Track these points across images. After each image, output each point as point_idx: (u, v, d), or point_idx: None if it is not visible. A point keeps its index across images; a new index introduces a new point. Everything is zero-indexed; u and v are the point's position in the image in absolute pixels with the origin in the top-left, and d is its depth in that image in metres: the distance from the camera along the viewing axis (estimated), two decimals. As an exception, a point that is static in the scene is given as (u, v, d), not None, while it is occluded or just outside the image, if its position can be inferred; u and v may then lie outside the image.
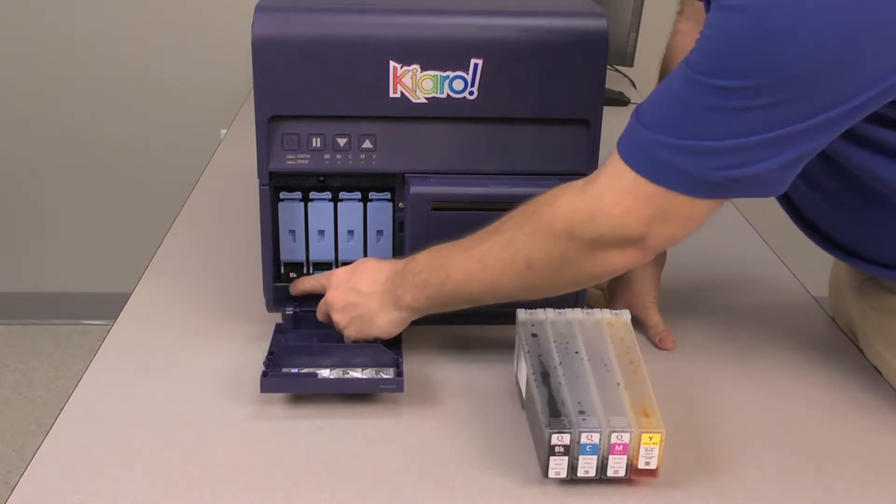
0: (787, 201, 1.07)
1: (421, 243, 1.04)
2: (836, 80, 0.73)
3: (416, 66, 0.99)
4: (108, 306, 1.64)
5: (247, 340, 1.09)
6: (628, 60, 2.19)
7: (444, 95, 1.00)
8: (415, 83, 1.00)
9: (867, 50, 0.72)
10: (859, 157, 0.88)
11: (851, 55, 0.72)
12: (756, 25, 0.72)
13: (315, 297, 1.10)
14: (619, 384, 0.90)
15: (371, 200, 1.07)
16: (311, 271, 1.10)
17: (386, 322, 0.99)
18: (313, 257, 1.09)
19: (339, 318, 1.01)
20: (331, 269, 1.10)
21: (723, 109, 0.76)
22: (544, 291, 0.92)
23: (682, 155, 0.79)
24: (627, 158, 0.82)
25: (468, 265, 0.92)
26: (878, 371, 1.06)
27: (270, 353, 1.02)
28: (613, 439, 0.84)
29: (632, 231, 0.83)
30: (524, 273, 0.89)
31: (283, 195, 1.06)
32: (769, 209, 1.21)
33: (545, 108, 1.02)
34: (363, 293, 0.99)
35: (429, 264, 0.95)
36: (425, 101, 1.00)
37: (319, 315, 1.05)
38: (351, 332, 1.01)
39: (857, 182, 0.92)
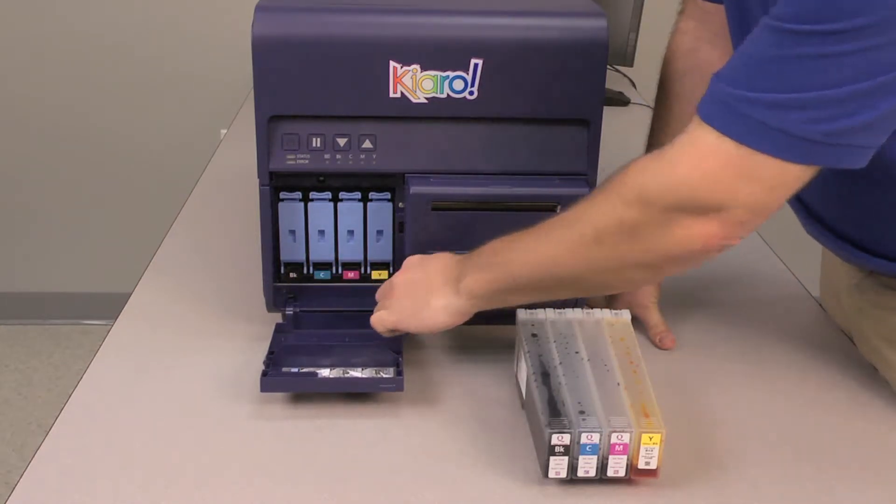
0: (794, 195, 1.07)
1: (421, 243, 1.04)
2: None
3: (416, 66, 0.99)
4: (108, 306, 1.64)
5: (247, 340, 1.09)
6: (628, 60, 2.19)
7: (444, 95, 1.00)
8: (415, 83, 1.00)
9: None
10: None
11: None
12: None
13: (315, 297, 1.10)
14: (619, 384, 0.90)
15: (371, 200, 1.07)
16: (311, 271, 1.10)
17: (443, 307, 0.94)
18: (313, 257, 1.09)
19: (397, 293, 0.97)
20: (331, 268, 1.10)
21: (815, 57, 0.70)
22: (614, 273, 0.85)
23: (769, 109, 0.73)
24: (707, 118, 0.76)
25: (536, 245, 0.87)
26: (876, 369, 1.07)
27: (270, 352, 1.02)
28: (613, 439, 0.84)
29: (713, 196, 0.76)
30: (591, 247, 0.83)
31: (283, 195, 1.06)
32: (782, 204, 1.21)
33: (545, 108, 1.02)
34: (429, 270, 0.96)
35: (494, 247, 0.91)
36: (425, 101, 1.00)
37: (378, 294, 1.01)
38: (408, 317, 0.96)
39: (872, 169, 0.91)
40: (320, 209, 1.07)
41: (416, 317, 0.96)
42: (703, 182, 0.76)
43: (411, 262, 1.00)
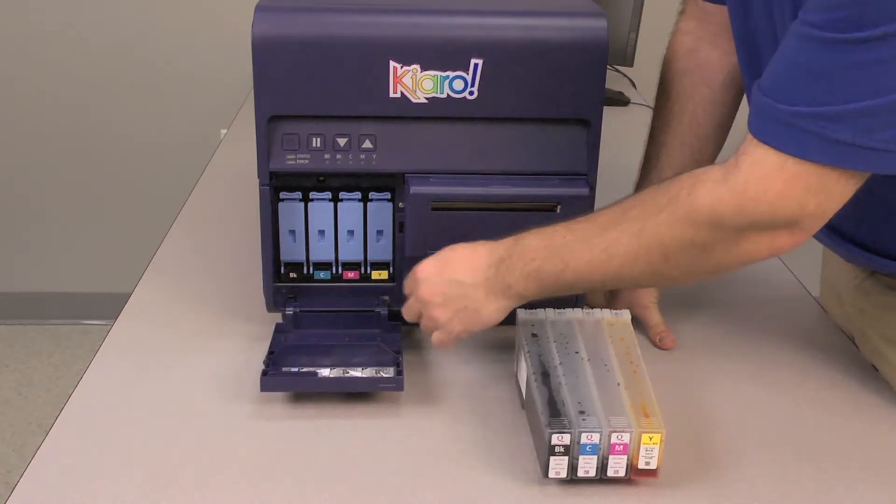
0: None
1: (421, 243, 1.04)
2: None
3: (416, 66, 0.99)
4: (108, 306, 1.64)
5: (247, 340, 1.09)
6: (628, 60, 2.19)
7: (444, 95, 1.00)
8: (415, 83, 1.00)
9: None
10: None
11: None
12: None
13: (315, 297, 1.10)
14: (619, 384, 0.90)
15: (371, 200, 1.07)
16: (311, 271, 1.10)
17: (494, 311, 0.93)
18: (313, 257, 1.09)
19: (439, 314, 0.94)
20: (331, 268, 1.10)
21: (862, 65, 0.71)
22: (677, 280, 0.89)
23: (825, 122, 0.74)
24: (767, 139, 0.77)
25: (591, 255, 0.87)
26: (876, 369, 1.07)
27: (270, 352, 1.02)
28: (613, 439, 0.84)
29: (786, 214, 0.79)
30: (658, 263, 0.85)
31: (283, 195, 1.06)
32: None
33: (545, 108, 1.02)
34: (465, 284, 0.93)
35: (542, 252, 0.89)
36: (425, 101, 1.00)
37: (409, 315, 0.99)
38: (456, 326, 0.95)
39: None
40: (320, 209, 1.07)
41: (470, 325, 0.95)
42: (775, 202, 0.78)
43: (427, 272, 0.95)
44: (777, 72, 0.78)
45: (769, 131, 0.78)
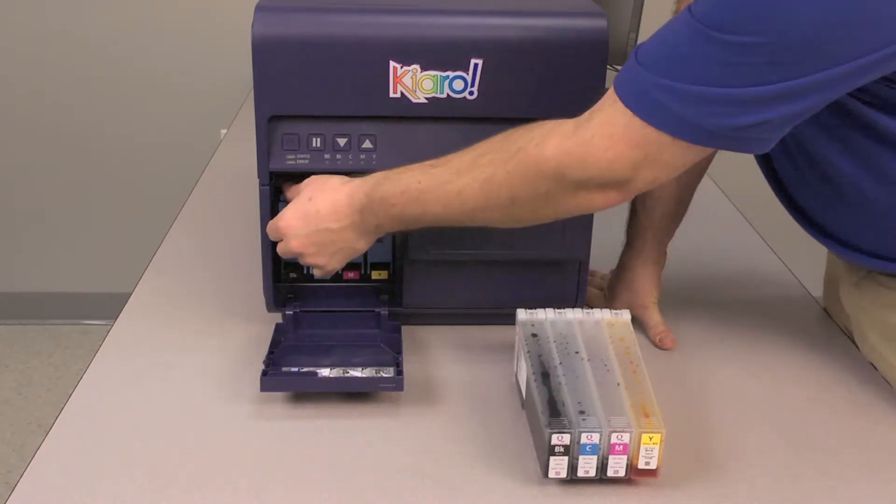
0: (786, 197, 1.08)
1: (421, 243, 1.04)
2: (838, 44, 0.76)
3: (416, 66, 0.99)
4: (108, 306, 1.64)
5: (247, 340, 1.09)
6: (628, 60, 2.19)
7: (444, 95, 1.00)
8: (415, 83, 1.00)
9: (872, 14, 0.74)
10: (819, 146, 0.92)
11: (857, 18, 0.74)
12: None
13: (315, 297, 1.10)
14: (619, 384, 0.90)
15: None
16: (311, 271, 1.10)
17: (366, 244, 1.01)
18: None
19: (317, 260, 1.01)
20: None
21: (725, 62, 0.78)
22: (525, 222, 0.95)
23: (680, 98, 0.80)
24: (624, 97, 0.83)
25: (446, 200, 0.93)
26: (875, 367, 1.07)
27: (270, 352, 1.02)
28: (613, 439, 0.84)
29: (619, 175, 0.85)
30: (506, 206, 0.91)
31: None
32: (768, 208, 1.22)
33: (545, 108, 1.02)
34: (334, 230, 0.99)
35: (401, 199, 0.94)
36: (425, 101, 1.00)
37: (284, 255, 1.03)
38: (335, 265, 1.02)
39: (824, 175, 0.95)
40: None
41: (348, 259, 1.02)
42: (612, 163, 0.85)
43: (293, 227, 0.99)
44: (653, 43, 0.84)
45: (628, 91, 0.84)
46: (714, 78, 0.79)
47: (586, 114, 0.87)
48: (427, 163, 0.95)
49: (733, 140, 0.82)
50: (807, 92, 0.78)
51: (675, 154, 0.84)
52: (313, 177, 1.02)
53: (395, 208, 0.95)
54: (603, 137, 0.84)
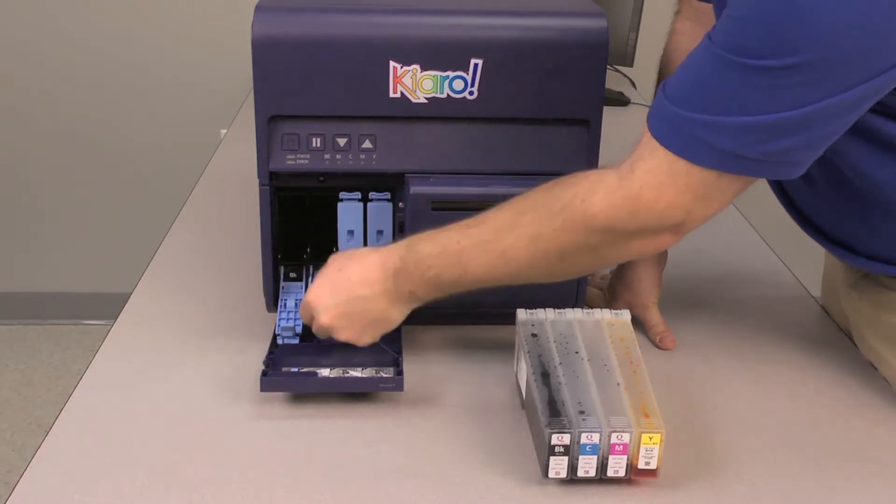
0: (786, 199, 1.08)
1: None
2: (867, 56, 0.74)
3: (416, 66, 0.99)
4: (108, 306, 1.64)
5: (247, 340, 1.09)
6: (628, 60, 2.19)
7: (444, 95, 1.00)
8: (415, 83, 1.00)
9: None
10: (854, 154, 0.90)
11: (883, 29, 0.73)
12: (790, 5, 0.73)
13: None
14: (619, 384, 0.90)
15: (371, 200, 1.07)
16: (310, 272, 1.10)
17: (399, 315, 0.97)
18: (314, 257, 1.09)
19: (349, 335, 0.97)
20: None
21: (756, 87, 0.77)
22: (570, 275, 0.95)
23: (718, 132, 0.79)
24: (662, 139, 0.82)
25: (488, 260, 0.90)
26: (874, 367, 1.07)
27: (270, 352, 1.02)
28: (613, 439, 0.84)
29: (672, 220, 0.85)
30: (554, 263, 0.89)
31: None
32: (768, 208, 1.22)
33: (545, 108, 1.02)
34: (366, 297, 0.95)
35: (438, 259, 0.92)
36: (425, 101, 1.00)
37: (321, 336, 1.00)
38: (367, 339, 0.98)
39: (848, 180, 0.93)
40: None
41: (381, 332, 0.99)
42: (665, 210, 0.84)
43: (323, 300, 0.96)
44: (680, 77, 0.84)
45: (663, 131, 0.83)
46: (752, 106, 0.77)
47: (627, 163, 0.85)
48: (461, 223, 0.92)
49: (772, 165, 0.81)
50: (848, 106, 0.77)
51: (723, 189, 0.83)
52: (338, 252, 0.99)
53: (432, 270, 0.92)
54: (650, 188, 0.83)
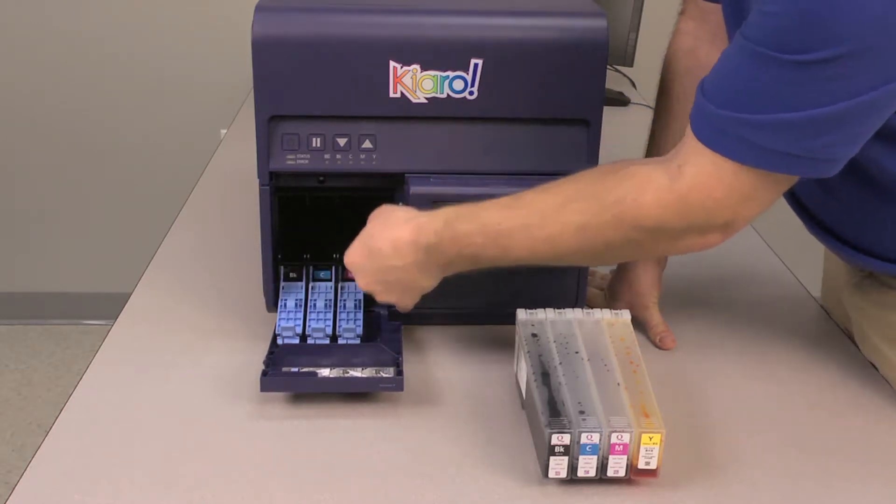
0: (794, 198, 1.08)
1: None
2: None
3: (416, 66, 0.99)
4: (108, 306, 1.64)
5: (247, 340, 1.09)
6: (628, 60, 2.19)
7: (444, 95, 1.00)
8: (415, 83, 1.00)
9: None
10: (873, 148, 0.88)
11: None
12: None
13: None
14: (619, 384, 0.90)
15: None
16: (310, 271, 1.10)
17: (433, 282, 0.97)
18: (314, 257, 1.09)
19: (389, 298, 0.98)
20: (331, 269, 1.10)
21: (795, 82, 0.76)
22: (615, 262, 0.97)
23: (760, 130, 0.79)
24: (706, 140, 0.82)
25: (532, 244, 0.90)
26: (876, 367, 1.07)
27: (270, 352, 1.02)
28: (613, 439, 0.84)
29: (721, 220, 0.85)
30: (600, 252, 0.91)
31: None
32: (768, 209, 1.21)
33: (545, 108, 1.02)
34: (397, 268, 0.94)
35: (478, 238, 0.91)
36: (425, 101, 1.00)
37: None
38: (408, 301, 0.98)
39: (862, 175, 0.92)
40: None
41: (416, 297, 0.98)
42: (713, 211, 0.85)
43: (360, 263, 0.96)
44: (717, 77, 0.83)
45: (706, 133, 0.83)
46: (792, 102, 0.77)
47: (674, 163, 0.85)
48: (498, 201, 0.92)
49: (814, 162, 0.80)
50: (889, 98, 0.76)
51: (769, 187, 0.83)
52: (382, 207, 0.98)
53: (470, 248, 0.92)
54: (699, 189, 0.83)
